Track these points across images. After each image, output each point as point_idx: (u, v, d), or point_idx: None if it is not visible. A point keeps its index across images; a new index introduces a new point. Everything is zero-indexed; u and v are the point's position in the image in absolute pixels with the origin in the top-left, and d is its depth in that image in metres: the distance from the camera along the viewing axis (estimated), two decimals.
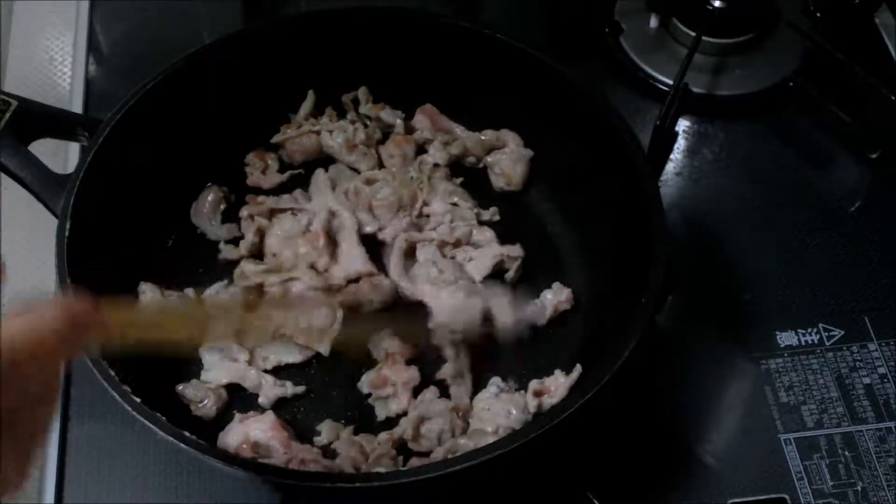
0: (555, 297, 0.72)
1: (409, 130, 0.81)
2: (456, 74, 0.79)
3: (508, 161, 0.79)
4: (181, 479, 0.68)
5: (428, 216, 0.77)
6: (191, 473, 0.68)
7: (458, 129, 0.81)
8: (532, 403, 0.66)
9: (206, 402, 0.67)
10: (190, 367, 0.70)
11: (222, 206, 0.77)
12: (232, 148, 0.80)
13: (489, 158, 0.80)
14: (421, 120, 0.82)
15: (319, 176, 0.79)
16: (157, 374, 0.68)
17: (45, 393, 0.39)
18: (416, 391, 0.69)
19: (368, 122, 0.81)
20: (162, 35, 0.95)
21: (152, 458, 0.69)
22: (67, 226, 0.64)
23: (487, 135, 0.80)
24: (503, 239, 0.76)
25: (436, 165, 0.79)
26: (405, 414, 0.67)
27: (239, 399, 0.69)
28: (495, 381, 0.69)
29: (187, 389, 0.68)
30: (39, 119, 0.70)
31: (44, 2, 0.98)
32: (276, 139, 0.80)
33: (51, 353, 0.38)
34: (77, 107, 0.88)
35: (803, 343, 0.74)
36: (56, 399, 0.40)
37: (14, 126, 0.68)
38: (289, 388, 0.69)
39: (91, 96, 0.90)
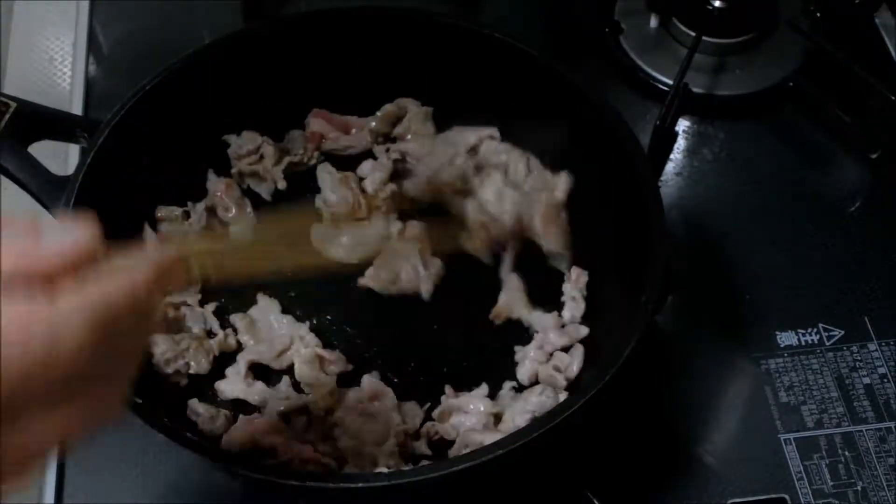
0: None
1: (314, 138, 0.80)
2: (456, 74, 0.79)
3: (417, 121, 0.79)
4: (181, 480, 0.68)
5: None
6: (191, 474, 0.68)
7: (353, 120, 0.81)
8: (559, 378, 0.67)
9: (217, 420, 0.67)
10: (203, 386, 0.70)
11: None
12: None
13: (398, 130, 0.80)
14: (317, 122, 0.81)
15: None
16: (161, 383, 0.69)
17: (142, 333, 0.45)
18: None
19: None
20: (162, 35, 0.95)
21: (152, 458, 0.69)
22: None
23: (384, 109, 0.80)
24: None
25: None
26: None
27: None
28: (508, 385, 0.69)
29: (199, 406, 0.67)
30: (39, 121, 0.70)
31: (44, 2, 0.98)
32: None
33: (146, 306, 0.43)
34: (77, 107, 0.88)
35: (803, 343, 0.74)
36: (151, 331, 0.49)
37: (13, 128, 0.67)
38: (293, 400, 0.68)
39: (91, 96, 0.90)
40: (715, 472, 0.68)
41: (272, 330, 0.71)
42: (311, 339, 0.71)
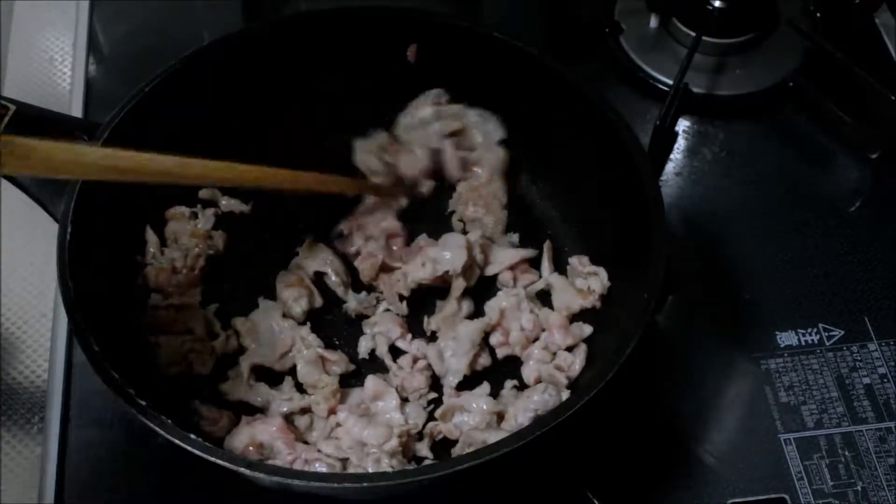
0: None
1: None
2: (455, 74, 0.79)
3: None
4: (182, 480, 0.68)
5: None
6: (191, 474, 0.68)
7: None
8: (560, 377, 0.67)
9: (220, 421, 0.67)
10: (205, 387, 0.70)
11: None
12: (232, 149, 0.80)
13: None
14: None
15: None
16: (164, 385, 0.69)
17: None
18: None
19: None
20: (162, 35, 0.95)
21: (152, 459, 0.69)
22: (68, 230, 0.64)
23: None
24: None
25: None
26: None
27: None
28: (509, 384, 0.70)
29: (202, 408, 0.67)
30: (38, 123, 0.70)
31: (44, 2, 0.98)
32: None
33: None
34: (77, 107, 0.88)
35: (803, 343, 0.74)
36: None
37: (13, 130, 0.67)
38: (296, 401, 0.69)
39: (91, 97, 0.90)
40: (715, 472, 0.69)
41: (273, 333, 0.71)
42: (313, 339, 0.71)
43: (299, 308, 0.73)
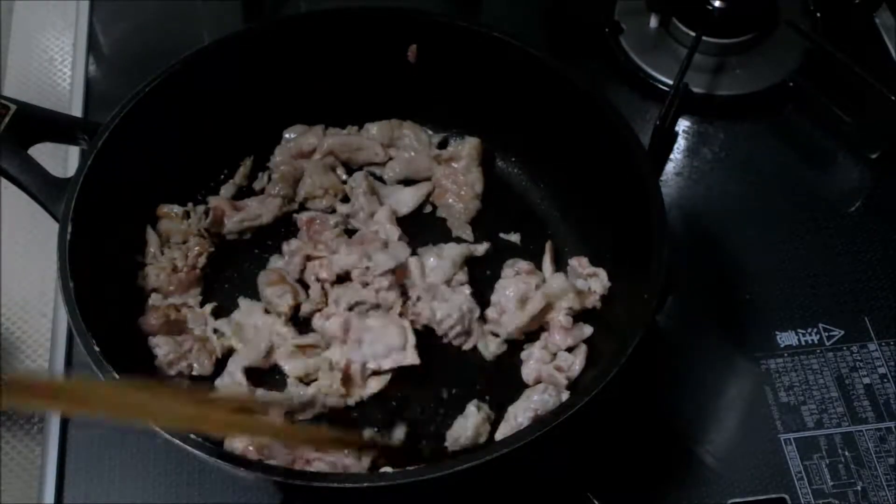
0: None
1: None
2: (456, 75, 0.79)
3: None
4: (181, 480, 0.68)
5: None
6: (191, 474, 0.68)
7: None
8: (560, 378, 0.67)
9: None
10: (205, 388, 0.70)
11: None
12: (233, 149, 0.80)
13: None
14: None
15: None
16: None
17: None
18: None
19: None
20: (162, 35, 0.95)
21: (152, 458, 0.69)
22: (69, 230, 0.64)
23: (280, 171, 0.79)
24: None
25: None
26: None
27: None
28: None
29: None
30: (39, 123, 0.70)
31: (44, 2, 0.98)
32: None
33: None
34: (77, 107, 0.89)
35: (803, 343, 0.74)
36: None
37: (13, 130, 0.67)
38: (297, 397, 0.68)
39: (91, 97, 0.90)
40: (715, 472, 0.69)
41: (257, 332, 0.71)
42: (287, 332, 0.71)
43: (284, 304, 0.73)
